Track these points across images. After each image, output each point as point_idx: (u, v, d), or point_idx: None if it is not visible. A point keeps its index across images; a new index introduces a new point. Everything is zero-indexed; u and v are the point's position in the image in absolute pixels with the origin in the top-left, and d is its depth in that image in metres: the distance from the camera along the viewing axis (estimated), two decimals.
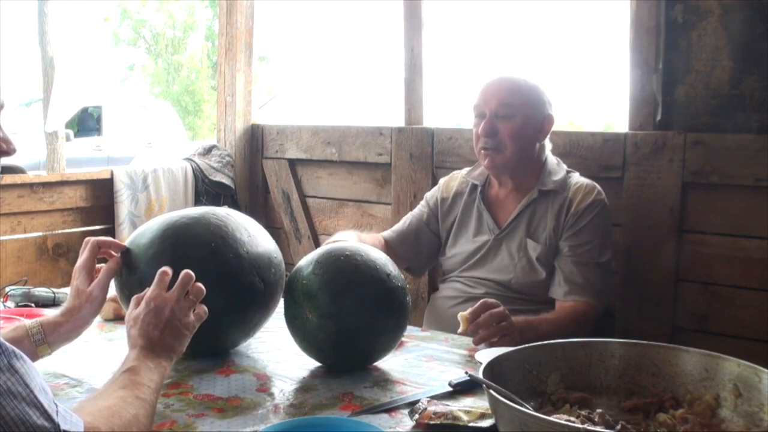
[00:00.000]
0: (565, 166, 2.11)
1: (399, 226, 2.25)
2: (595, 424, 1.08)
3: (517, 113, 2.00)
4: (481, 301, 1.67)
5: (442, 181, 2.29)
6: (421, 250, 2.22)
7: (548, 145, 2.13)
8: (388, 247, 2.14)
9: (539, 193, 2.04)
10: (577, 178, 2.07)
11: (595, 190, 2.03)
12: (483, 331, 1.62)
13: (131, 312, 1.24)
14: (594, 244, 1.97)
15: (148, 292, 1.25)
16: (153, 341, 1.19)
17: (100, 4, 20.60)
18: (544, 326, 1.78)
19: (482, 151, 2.04)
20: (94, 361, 1.51)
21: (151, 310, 1.21)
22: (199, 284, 1.27)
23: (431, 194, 2.27)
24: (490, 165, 2.05)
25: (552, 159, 2.12)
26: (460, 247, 2.13)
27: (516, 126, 2.00)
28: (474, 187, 2.17)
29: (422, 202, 2.28)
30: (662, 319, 2.27)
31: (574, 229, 1.98)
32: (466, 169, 2.24)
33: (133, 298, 1.27)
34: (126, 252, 1.46)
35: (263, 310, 1.52)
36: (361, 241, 1.98)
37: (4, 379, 0.83)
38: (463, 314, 1.64)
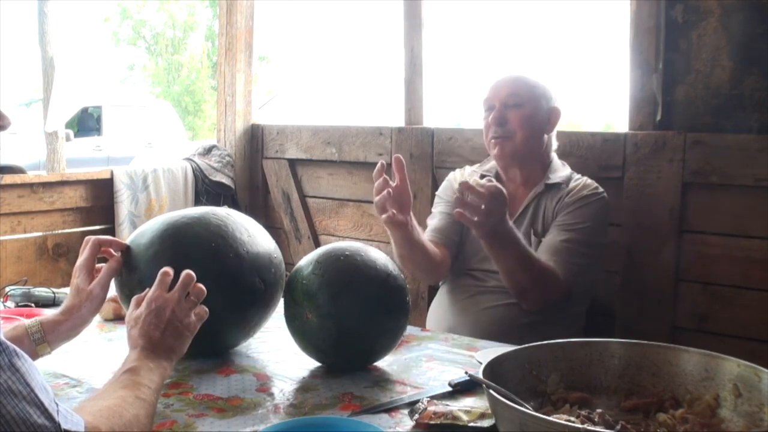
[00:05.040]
0: (569, 168, 2.15)
1: (437, 226, 2.15)
2: (595, 424, 1.08)
3: (526, 103, 2.06)
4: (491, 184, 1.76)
5: (452, 175, 2.25)
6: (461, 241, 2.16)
7: (554, 144, 2.17)
8: (440, 249, 2.08)
9: (545, 187, 2.07)
10: (580, 177, 2.11)
11: (594, 185, 2.07)
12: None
13: (132, 312, 1.24)
14: (584, 226, 1.98)
15: (149, 292, 1.24)
16: (154, 342, 1.19)
17: (100, 4, 20.63)
18: (520, 244, 1.84)
19: (492, 140, 2.08)
20: (94, 361, 1.51)
21: (152, 311, 1.21)
22: (200, 285, 1.27)
23: (444, 190, 2.23)
24: (500, 153, 2.07)
25: (557, 160, 2.17)
26: (471, 239, 2.11)
27: (525, 113, 2.05)
28: (482, 178, 2.15)
29: (437, 200, 2.24)
30: (662, 319, 2.27)
31: (566, 210, 2.01)
32: (475, 165, 2.25)
33: (134, 299, 1.27)
34: (126, 251, 1.46)
35: (263, 310, 1.52)
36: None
37: (5, 378, 0.82)
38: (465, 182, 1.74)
